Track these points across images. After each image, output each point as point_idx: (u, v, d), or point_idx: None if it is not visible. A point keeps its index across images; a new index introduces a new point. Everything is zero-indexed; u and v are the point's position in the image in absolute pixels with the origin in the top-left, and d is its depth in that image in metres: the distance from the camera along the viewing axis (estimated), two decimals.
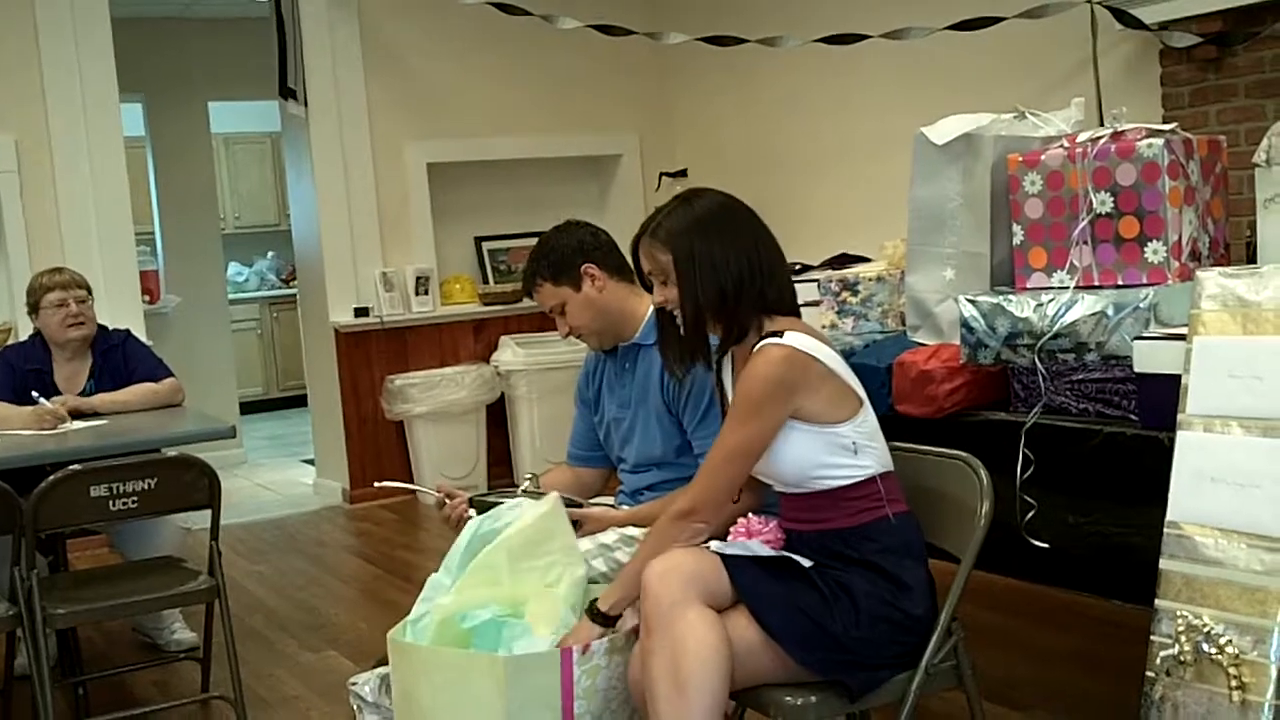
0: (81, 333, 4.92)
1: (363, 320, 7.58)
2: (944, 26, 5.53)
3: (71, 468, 3.84)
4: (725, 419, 2.81)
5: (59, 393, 4.80)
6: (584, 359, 3.72)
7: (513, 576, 2.83)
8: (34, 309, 4.93)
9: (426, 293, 7.75)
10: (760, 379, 2.74)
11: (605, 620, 2.80)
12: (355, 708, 4.15)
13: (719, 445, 2.79)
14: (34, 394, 4.65)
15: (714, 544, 2.79)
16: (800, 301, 4.37)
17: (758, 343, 2.79)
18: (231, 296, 10.46)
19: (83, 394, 4.86)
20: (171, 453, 4.16)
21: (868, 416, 2.84)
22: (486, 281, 8.19)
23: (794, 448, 2.77)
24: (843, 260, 4.87)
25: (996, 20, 5.36)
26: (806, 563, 2.75)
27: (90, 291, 4.99)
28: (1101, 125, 3.50)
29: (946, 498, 2.95)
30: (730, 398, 2.95)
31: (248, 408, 10.12)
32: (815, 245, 5.71)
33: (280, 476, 8.94)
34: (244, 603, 5.50)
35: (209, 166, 9.81)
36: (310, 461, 8.80)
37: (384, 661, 4.27)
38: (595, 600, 2.84)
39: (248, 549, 6.60)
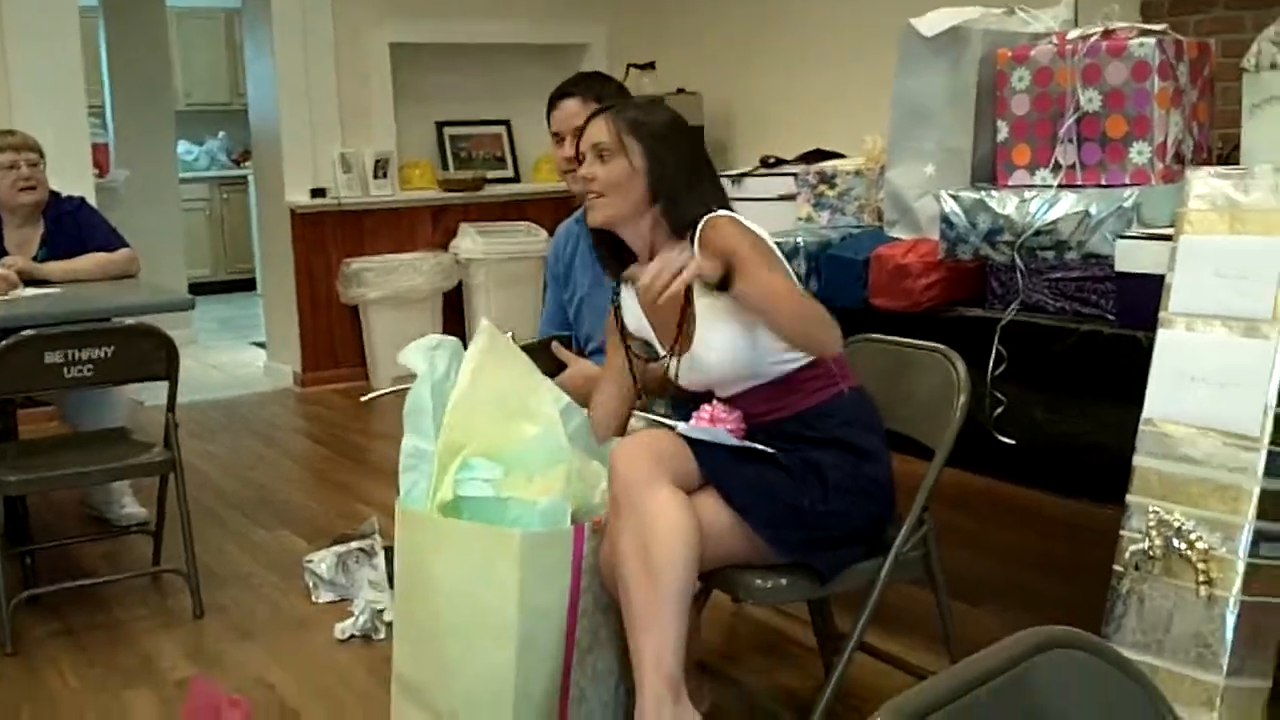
0: (33, 197, 4.80)
1: (319, 201, 7.49)
2: None
3: (25, 333, 3.76)
4: (751, 281, 2.63)
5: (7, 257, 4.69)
6: (553, 237, 3.66)
7: (491, 424, 2.77)
8: None
9: (385, 176, 7.66)
10: (739, 233, 2.71)
11: (728, 287, 2.65)
12: (310, 584, 4.16)
13: (781, 286, 2.66)
14: None
15: (681, 426, 2.76)
16: (776, 195, 4.40)
17: (696, 229, 2.75)
18: (181, 175, 10.28)
19: (35, 260, 4.75)
20: (128, 322, 4.08)
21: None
22: (447, 168, 8.10)
23: (742, 339, 2.74)
24: (817, 155, 4.83)
25: None
26: (770, 450, 2.73)
27: (42, 155, 4.86)
28: (1080, 27, 3.46)
29: (922, 390, 2.94)
30: (633, 329, 2.94)
31: (195, 289, 9.93)
32: (789, 140, 5.68)
33: (230, 359, 8.87)
34: (195, 481, 5.40)
35: (163, 40, 9.58)
36: (260, 345, 8.73)
37: (340, 540, 4.28)
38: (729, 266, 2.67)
39: (199, 428, 6.53)
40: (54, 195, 4.93)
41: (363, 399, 4.00)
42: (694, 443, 2.70)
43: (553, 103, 3.47)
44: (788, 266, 2.83)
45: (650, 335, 2.93)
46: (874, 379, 2.94)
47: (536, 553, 2.66)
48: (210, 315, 10.34)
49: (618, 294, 2.99)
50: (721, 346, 2.75)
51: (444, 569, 2.74)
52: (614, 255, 2.93)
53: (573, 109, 3.39)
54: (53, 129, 6.25)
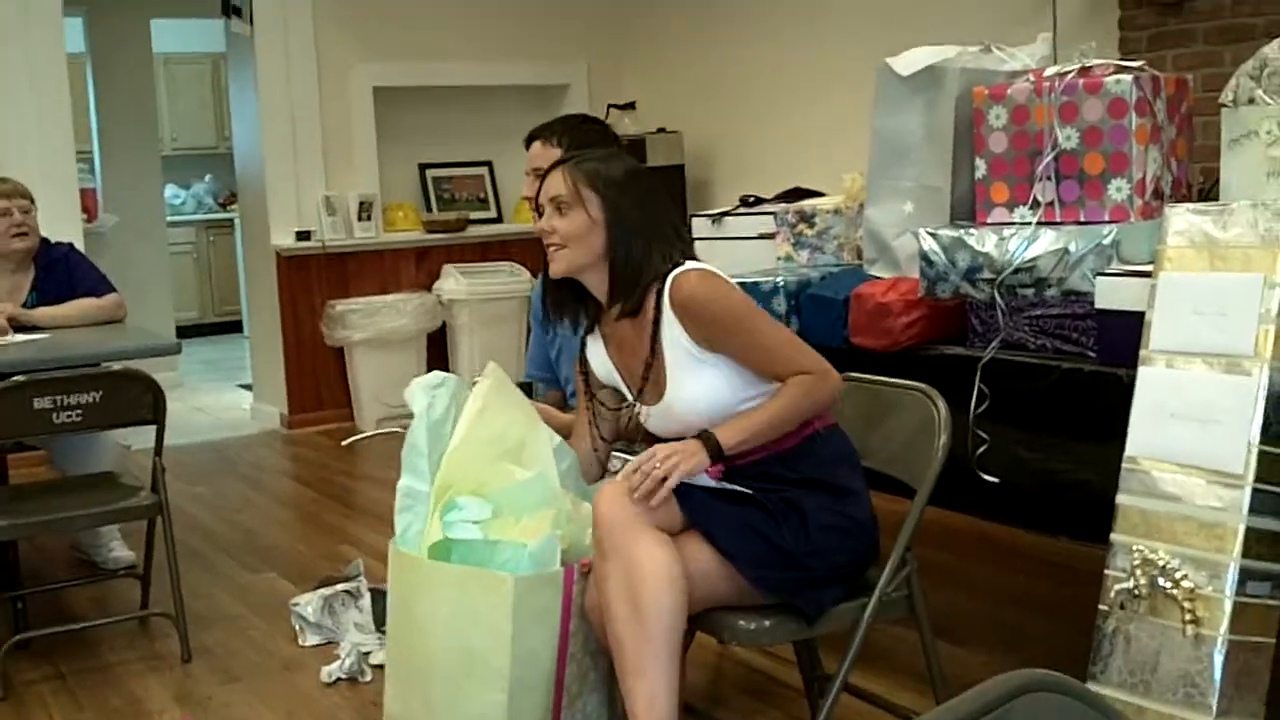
0: (26, 244, 4.82)
1: (304, 244, 7.49)
2: None
3: (15, 379, 3.77)
4: (746, 336, 2.75)
5: None
6: (537, 280, 3.67)
7: (485, 464, 2.78)
8: None
9: (370, 218, 7.67)
10: (721, 290, 2.76)
11: (723, 456, 2.70)
12: (297, 627, 4.15)
13: (777, 335, 2.79)
14: None
15: None
16: (756, 234, 4.42)
17: (665, 284, 2.77)
18: (168, 219, 10.31)
19: (24, 307, 4.76)
20: (115, 367, 4.08)
21: None
22: (430, 209, 8.12)
23: (717, 384, 2.77)
24: (796, 194, 4.85)
25: None
26: (749, 491, 2.75)
27: (33, 202, 4.88)
28: (1057, 65, 3.49)
29: (903, 429, 2.94)
30: (600, 376, 2.97)
31: (182, 332, 9.96)
32: (768, 178, 5.70)
33: (216, 400, 8.86)
34: (182, 523, 5.40)
35: (149, 86, 9.64)
36: (247, 386, 8.72)
37: (326, 582, 4.28)
38: (709, 432, 2.71)
39: (185, 471, 6.52)
40: (44, 241, 4.95)
41: (344, 442, 4.01)
42: (675, 488, 2.71)
43: (526, 143, 3.51)
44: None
45: (620, 384, 2.94)
46: (855, 418, 2.95)
47: (527, 596, 2.67)
48: (197, 357, 10.31)
49: (584, 343, 3.01)
50: (695, 396, 2.77)
51: (435, 611, 2.74)
52: (578, 301, 2.93)
53: (536, 151, 3.44)
54: (41, 174, 6.26)
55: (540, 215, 2.88)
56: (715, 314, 2.74)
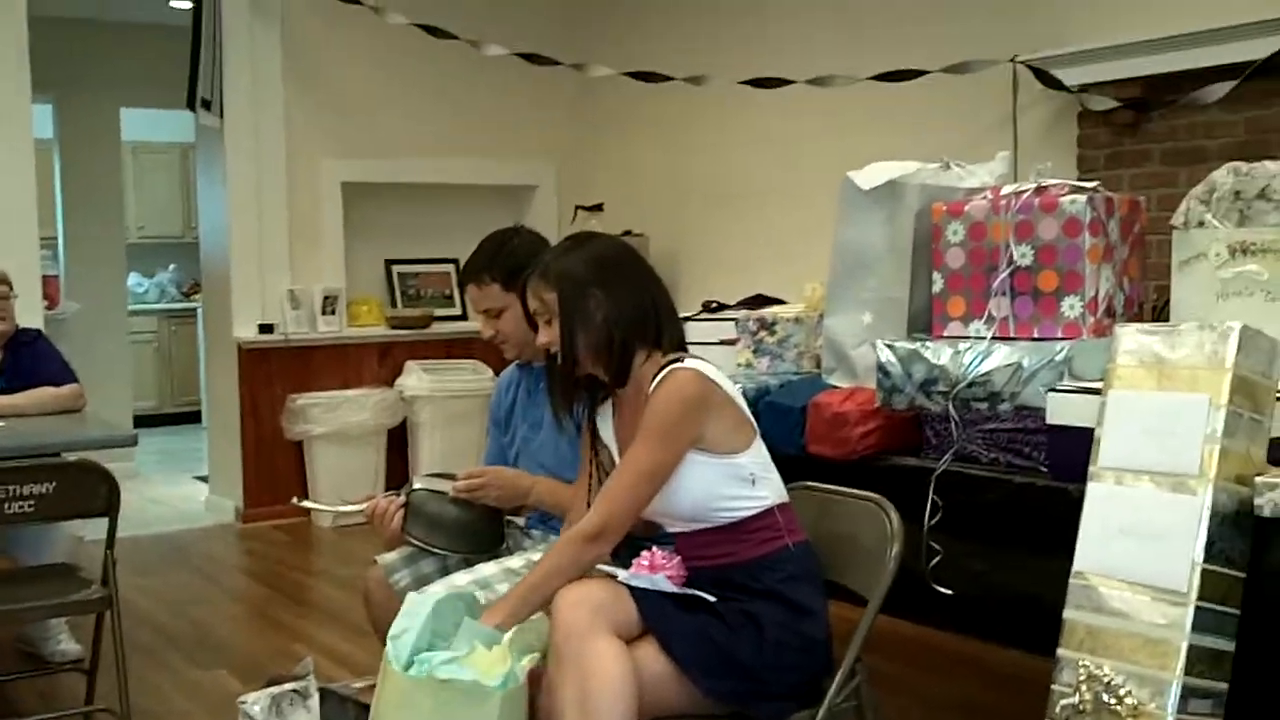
0: (3, 328, 4.84)
1: (267, 337, 7.50)
2: (868, 76, 5.60)
3: None
4: (636, 442, 2.79)
5: None
6: (496, 381, 3.70)
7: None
8: None
9: (334, 313, 7.69)
10: (675, 400, 2.76)
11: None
12: None
13: (629, 466, 2.78)
14: None
15: (621, 574, 2.78)
16: (717, 339, 4.45)
17: (658, 373, 2.81)
18: (130, 307, 10.30)
19: None
20: (71, 458, 4.06)
21: (761, 447, 2.89)
22: (395, 305, 8.15)
23: (694, 480, 2.79)
24: (759, 301, 4.90)
25: (920, 73, 5.45)
26: (711, 598, 2.76)
27: (12, 288, 4.90)
28: (1019, 181, 3.55)
29: (856, 538, 2.96)
30: (609, 445, 2.99)
31: (140, 421, 9.92)
32: (731, 284, 5.75)
33: (171, 491, 8.80)
34: (132, 617, 5.35)
35: (117, 173, 9.71)
36: (203, 479, 8.67)
37: (275, 681, 4.22)
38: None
39: (137, 563, 6.46)
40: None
41: (294, 500, 3.98)
42: (635, 590, 2.72)
43: (467, 284, 3.54)
44: (744, 414, 2.88)
45: (615, 454, 2.97)
46: (809, 526, 2.96)
47: (508, 708, 2.65)
48: (154, 447, 10.24)
49: (593, 415, 3.03)
50: (672, 487, 2.79)
51: None
52: (584, 385, 2.96)
53: (473, 295, 3.49)
54: (4, 259, 6.24)
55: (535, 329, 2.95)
56: (650, 411, 2.78)
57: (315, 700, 4.00)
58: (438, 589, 3.24)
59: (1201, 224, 3.25)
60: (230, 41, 7.33)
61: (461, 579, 3.32)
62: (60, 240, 9.35)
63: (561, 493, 3.27)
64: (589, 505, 2.94)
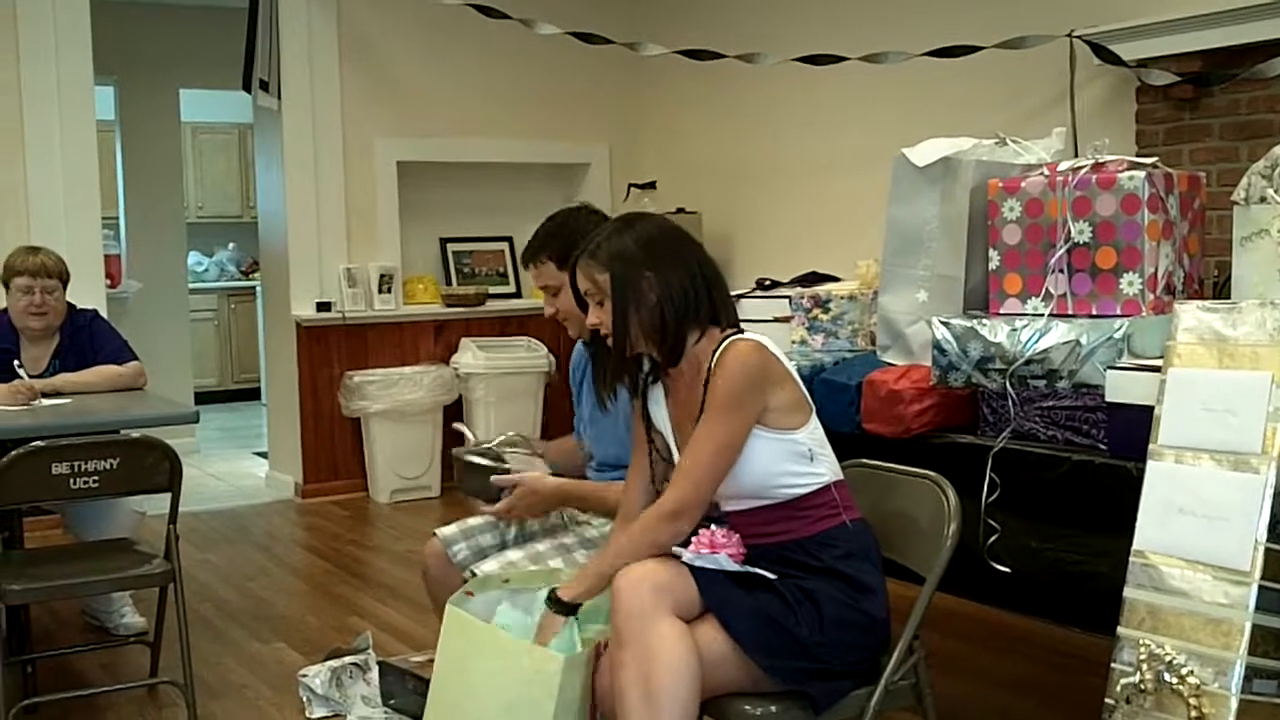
0: (41, 323, 4.87)
1: (325, 315, 7.55)
2: (922, 53, 5.57)
3: (34, 444, 3.80)
4: (705, 418, 2.79)
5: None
6: (573, 353, 3.73)
7: None
8: (5, 283, 4.91)
9: (389, 291, 7.73)
10: (738, 371, 2.75)
11: (567, 610, 2.80)
12: (305, 699, 4.16)
13: (704, 442, 2.76)
14: (16, 364, 4.71)
15: (685, 554, 2.79)
16: (771, 317, 4.45)
17: (717, 348, 2.81)
18: (191, 286, 10.40)
19: (45, 374, 4.81)
20: (134, 434, 4.12)
21: (817, 424, 2.89)
22: (450, 283, 8.18)
23: (757, 456, 2.79)
24: (813, 278, 4.88)
25: (975, 49, 5.41)
26: (771, 576, 2.77)
27: (65, 280, 4.92)
28: (1076, 157, 3.53)
29: (913, 517, 2.96)
30: (659, 426, 2.98)
31: (201, 398, 10.02)
32: (785, 262, 5.74)
33: (232, 468, 8.88)
34: (193, 590, 5.42)
35: (177, 154, 9.77)
36: (262, 455, 8.76)
37: (334, 654, 4.29)
38: (555, 589, 2.84)
39: (199, 537, 6.55)
40: (70, 308, 5.00)
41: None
42: (695, 569, 2.74)
43: (528, 264, 3.55)
44: (801, 390, 2.88)
45: (670, 438, 2.97)
46: (865, 504, 2.96)
47: (569, 675, 2.72)
48: (214, 424, 10.34)
49: (645, 393, 3.02)
50: (742, 459, 2.79)
51: (485, 679, 2.80)
52: (634, 364, 2.96)
53: (534, 272, 3.49)
54: (68, 240, 6.36)
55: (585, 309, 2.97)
56: (715, 385, 2.77)
57: (374, 673, 4.07)
58: (492, 566, 3.29)
59: (1263, 199, 3.21)
60: (287, 23, 7.38)
61: (515, 554, 3.36)
62: (122, 220, 9.45)
63: (595, 496, 3.33)
64: (653, 487, 2.95)
